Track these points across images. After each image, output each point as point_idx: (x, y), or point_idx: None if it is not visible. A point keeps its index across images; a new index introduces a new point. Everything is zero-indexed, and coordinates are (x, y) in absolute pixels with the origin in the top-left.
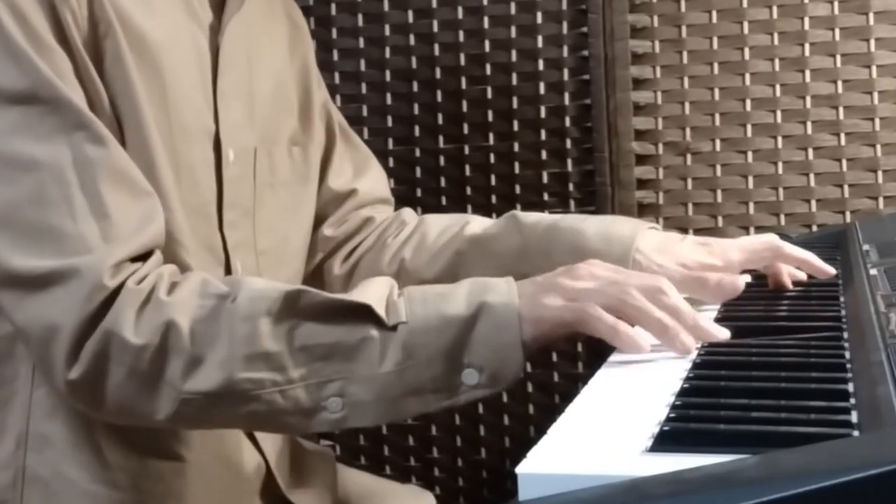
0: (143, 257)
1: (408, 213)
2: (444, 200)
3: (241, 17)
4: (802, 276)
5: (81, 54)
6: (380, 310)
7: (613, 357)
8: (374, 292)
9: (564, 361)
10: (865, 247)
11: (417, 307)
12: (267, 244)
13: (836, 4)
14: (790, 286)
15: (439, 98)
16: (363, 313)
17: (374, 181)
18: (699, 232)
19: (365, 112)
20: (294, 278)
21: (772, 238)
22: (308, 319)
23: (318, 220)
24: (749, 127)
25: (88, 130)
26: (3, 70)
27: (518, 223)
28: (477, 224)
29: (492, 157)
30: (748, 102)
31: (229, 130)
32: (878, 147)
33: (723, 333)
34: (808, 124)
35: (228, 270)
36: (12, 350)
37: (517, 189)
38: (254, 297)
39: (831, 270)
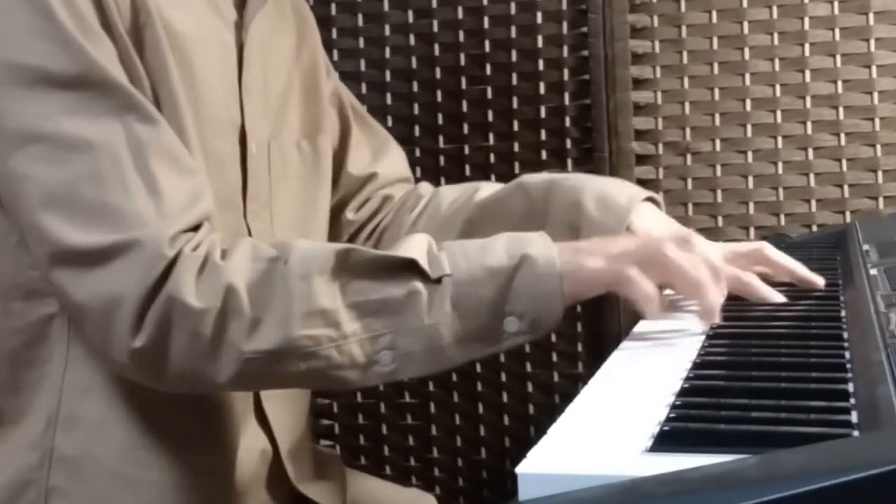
0: (194, 229)
1: (424, 186)
2: None
3: (263, 15)
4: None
5: (125, 41)
6: (424, 263)
7: (613, 357)
8: (416, 247)
9: (564, 361)
10: (865, 247)
11: (460, 260)
12: (283, 236)
13: (836, 4)
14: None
15: (439, 98)
16: (409, 267)
17: (394, 162)
18: (699, 232)
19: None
20: None
21: (759, 244)
22: (358, 276)
23: (341, 205)
24: (749, 127)
25: (138, 112)
26: (54, 55)
27: (523, 186)
28: (485, 190)
29: (492, 157)
30: (748, 102)
31: (252, 124)
32: (878, 147)
33: (768, 291)
34: (808, 124)
35: None
36: (47, 332)
37: None
38: (306, 258)
39: (819, 282)
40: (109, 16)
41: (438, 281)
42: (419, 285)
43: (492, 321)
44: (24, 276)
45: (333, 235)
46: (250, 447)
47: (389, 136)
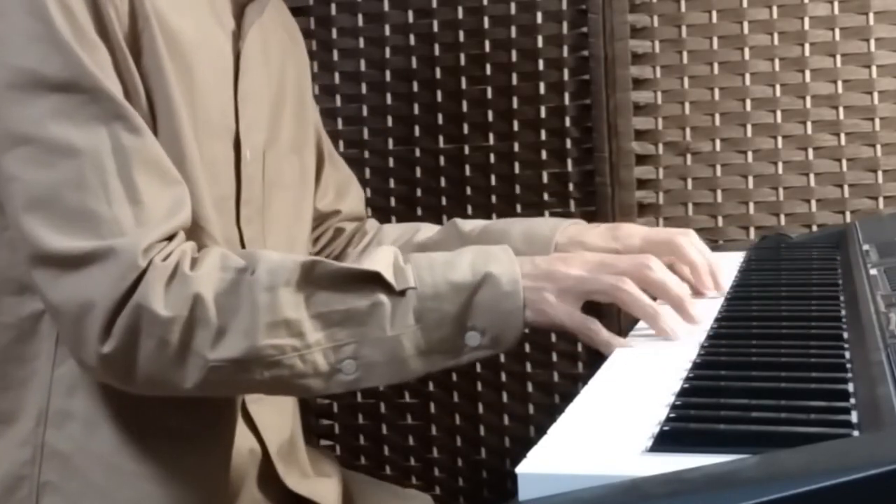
0: (169, 238)
1: (370, 224)
2: (444, 200)
3: (260, 25)
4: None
5: (121, 48)
6: (388, 276)
7: (613, 357)
8: (381, 259)
9: (564, 361)
10: (865, 247)
11: (425, 273)
12: (275, 241)
13: (836, 4)
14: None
15: (439, 98)
16: (373, 280)
17: (354, 200)
18: (699, 232)
19: (365, 112)
20: None
21: (676, 234)
22: (322, 288)
23: None
24: (749, 127)
25: (125, 120)
26: (47, 59)
27: (458, 230)
28: (424, 232)
29: (492, 157)
30: (748, 102)
31: (247, 131)
32: (878, 147)
33: (694, 322)
34: (808, 124)
35: None
36: (35, 329)
37: (517, 189)
38: (273, 269)
39: (709, 285)
40: (107, 22)
41: (403, 293)
42: (383, 297)
43: (454, 335)
44: (17, 270)
45: None
46: (239, 446)
47: (352, 174)
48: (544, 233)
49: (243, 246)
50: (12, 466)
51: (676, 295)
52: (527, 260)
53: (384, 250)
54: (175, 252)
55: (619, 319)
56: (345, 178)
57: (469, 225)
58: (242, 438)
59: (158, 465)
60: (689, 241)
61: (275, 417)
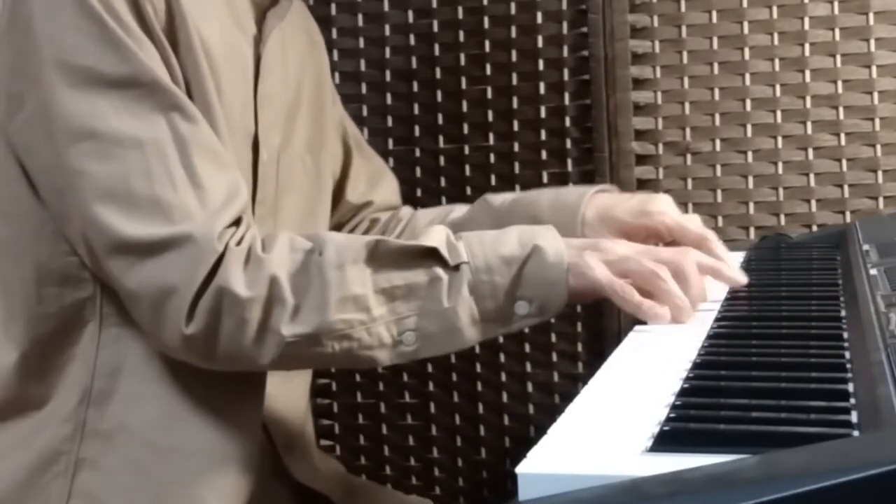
0: (237, 222)
1: (404, 210)
2: (443, 201)
3: (280, 30)
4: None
5: (163, 43)
6: (444, 251)
7: (613, 357)
8: (436, 237)
9: (564, 361)
10: (865, 247)
11: (476, 249)
12: None
13: (836, 4)
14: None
15: (439, 98)
16: (431, 255)
17: (387, 191)
18: None
19: (365, 112)
20: None
21: (705, 233)
22: (385, 265)
23: (337, 228)
24: (749, 127)
25: (181, 110)
26: (103, 56)
27: (488, 204)
28: (458, 211)
29: (492, 157)
30: (748, 102)
31: (265, 132)
32: (878, 147)
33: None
34: (808, 124)
35: None
36: (78, 316)
37: (517, 189)
38: (340, 249)
39: (741, 279)
40: (147, 19)
41: (457, 268)
42: (440, 271)
43: (505, 305)
44: (60, 261)
45: None
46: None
47: (385, 166)
48: (571, 200)
49: None
50: (52, 441)
51: (698, 295)
52: (571, 241)
53: (437, 229)
54: (247, 236)
55: (620, 319)
56: (377, 168)
57: (499, 199)
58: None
59: (191, 441)
60: (719, 244)
61: (284, 414)
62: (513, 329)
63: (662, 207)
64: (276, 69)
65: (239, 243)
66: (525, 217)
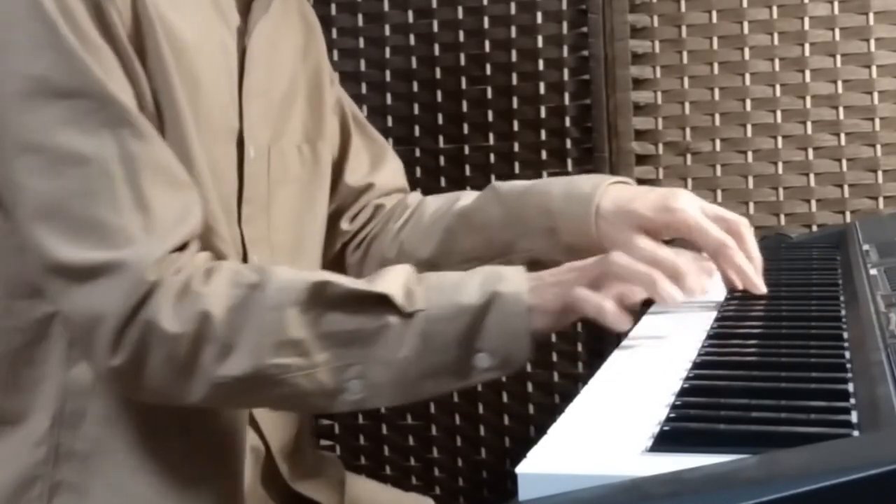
0: (181, 248)
1: (412, 196)
2: None
3: (267, 21)
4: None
5: (127, 50)
6: (398, 298)
7: (613, 357)
8: (394, 281)
9: (564, 361)
10: (865, 247)
11: (434, 295)
12: (281, 239)
13: (836, 4)
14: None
15: (439, 98)
16: (383, 302)
17: (391, 172)
18: None
19: (365, 112)
20: (311, 270)
21: (728, 238)
22: (332, 308)
23: (338, 214)
24: (749, 127)
25: (132, 126)
26: (53, 66)
27: (497, 193)
28: (465, 199)
29: (492, 157)
30: (748, 102)
31: (251, 129)
32: (878, 147)
33: (699, 286)
34: (808, 124)
35: (246, 263)
36: (47, 332)
37: None
38: (282, 288)
39: (762, 287)
40: (110, 25)
41: (412, 315)
42: (392, 319)
43: (461, 357)
44: (28, 274)
45: (328, 243)
46: (239, 448)
47: (387, 144)
48: (585, 191)
49: (245, 246)
50: (26, 467)
51: (665, 261)
52: (535, 275)
53: (397, 270)
54: (188, 266)
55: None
56: (379, 148)
57: (508, 186)
58: (249, 442)
59: (171, 463)
60: (738, 252)
61: (278, 418)
62: (472, 383)
63: (684, 205)
64: (264, 61)
65: (177, 273)
66: (536, 208)
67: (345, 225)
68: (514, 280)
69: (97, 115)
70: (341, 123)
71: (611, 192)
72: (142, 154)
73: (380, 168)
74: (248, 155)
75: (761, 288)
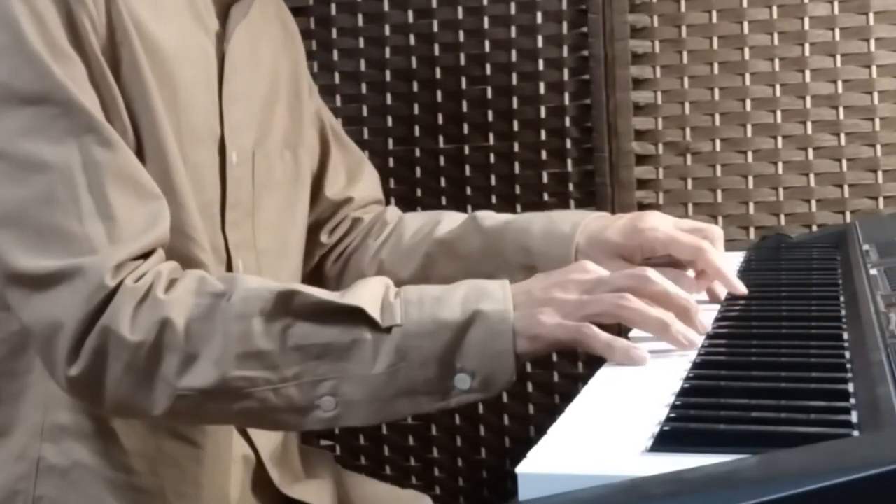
0: (144, 256)
1: (390, 212)
2: (444, 200)
3: (246, 25)
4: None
5: (98, 60)
6: (374, 311)
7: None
8: (368, 293)
9: (564, 361)
10: (865, 247)
11: (413, 310)
12: (266, 244)
13: (836, 4)
14: (713, 295)
15: (439, 98)
16: (356, 315)
17: (368, 185)
18: None
19: (365, 112)
20: (293, 276)
21: (700, 242)
22: (301, 319)
23: (317, 227)
24: (749, 127)
25: (97, 134)
26: (18, 72)
27: (478, 225)
28: (445, 224)
29: (492, 157)
30: (748, 102)
31: (233, 133)
32: (878, 147)
33: (702, 330)
34: (808, 124)
35: (230, 270)
36: (25, 344)
37: (517, 189)
38: (247, 297)
39: (742, 288)
40: (82, 34)
41: (388, 330)
42: (366, 333)
43: (440, 376)
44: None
45: (307, 256)
46: (233, 454)
47: (364, 157)
48: (565, 231)
49: (229, 252)
50: (7, 481)
51: (681, 304)
52: (522, 290)
53: (374, 282)
54: (150, 273)
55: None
56: (356, 161)
57: (490, 220)
58: (236, 446)
59: (155, 479)
60: (717, 253)
61: None
62: (451, 405)
63: (653, 223)
64: (244, 66)
65: (138, 280)
66: (516, 246)
67: (324, 238)
68: (497, 297)
69: (61, 121)
70: (321, 135)
71: (588, 227)
72: (107, 162)
73: (357, 181)
74: (231, 160)
75: (741, 288)
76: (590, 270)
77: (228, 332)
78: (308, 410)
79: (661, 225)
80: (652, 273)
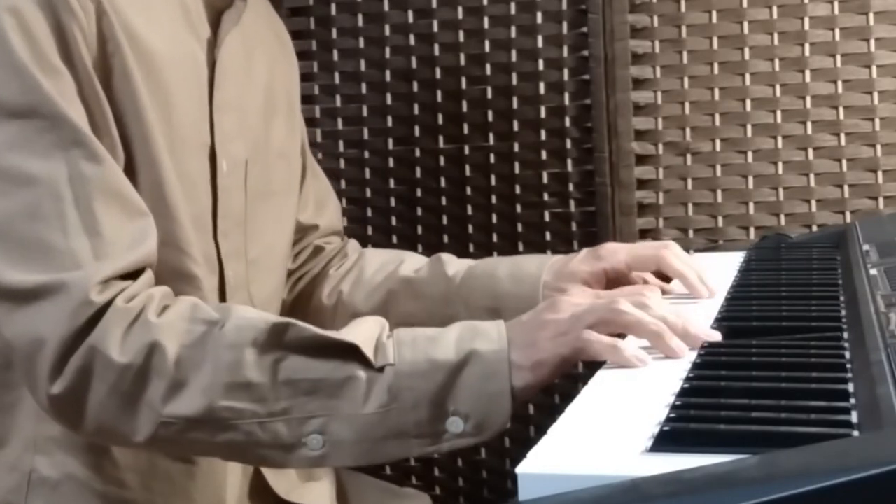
0: (133, 275)
1: (351, 246)
2: (444, 200)
3: (237, 33)
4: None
5: (88, 73)
6: (368, 350)
7: None
8: (363, 332)
9: None
10: (865, 247)
11: (406, 350)
12: (257, 253)
13: (836, 4)
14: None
15: (439, 98)
16: (350, 352)
17: (332, 214)
18: (699, 232)
19: (365, 112)
20: (278, 288)
21: (660, 246)
22: (294, 353)
23: None
24: (749, 127)
25: (85, 148)
26: (5, 85)
27: (442, 270)
28: (409, 264)
29: (492, 157)
30: (748, 102)
31: (223, 142)
32: (878, 147)
33: (713, 335)
34: (808, 124)
35: (222, 279)
36: None
37: (517, 189)
38: (241, 326)
39: (704, 293)
40: (72, 47)
41: (381, 370)
42: (359, 372)
43: (432, 418)
44: None
45: None
46: (229, 465)
47: (330, 185)
48: (531, 271)
49: (220, 260)
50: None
51: (675, 321)
52: (516, 324)
53: (370, 322)
54: (142, 295)
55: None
56: (324, 189)
57: (453, 267)
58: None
59: (147, 493)
60: (674, 254)
61: None
62: (443, 449)
63: (612, 248)
64: (235, 74)
65: (130, 301)
66: (481, 290)
67: (288, 263)
68: (492, 336)
69: (48, 135)
70: (302, 157)
71: (553, 266)
72: (94, 176)
73: (325, 209)
74: (221, 169)
75: (703, 292)
76: (586, 295)
77: (219, 360)
78: (294, 448)
79: (619, 248)
80: (647, 289)
